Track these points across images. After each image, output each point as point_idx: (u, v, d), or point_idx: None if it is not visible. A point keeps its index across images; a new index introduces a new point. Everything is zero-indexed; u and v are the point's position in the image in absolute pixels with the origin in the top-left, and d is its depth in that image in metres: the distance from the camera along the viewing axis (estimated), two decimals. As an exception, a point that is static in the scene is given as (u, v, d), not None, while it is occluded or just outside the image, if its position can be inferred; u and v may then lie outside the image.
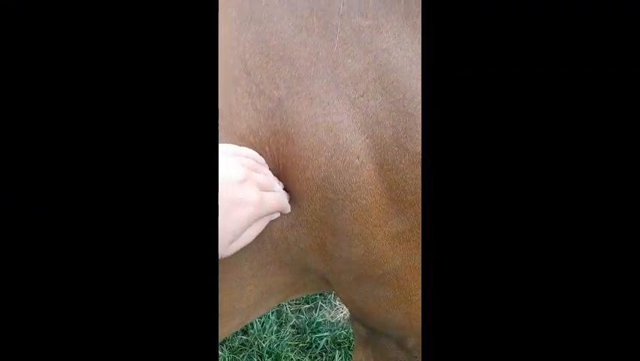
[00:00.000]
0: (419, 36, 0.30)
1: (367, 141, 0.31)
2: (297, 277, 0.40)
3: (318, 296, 1.18)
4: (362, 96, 0.31)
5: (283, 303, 1.18)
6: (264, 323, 1.11)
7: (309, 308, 1.16)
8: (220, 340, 0.45)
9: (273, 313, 1.14)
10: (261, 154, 0.32)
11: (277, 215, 0.32)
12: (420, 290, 0.37)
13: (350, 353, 1.03)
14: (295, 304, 1.18)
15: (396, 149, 0.31)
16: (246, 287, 0.38)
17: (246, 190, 0.26)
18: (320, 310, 1.15)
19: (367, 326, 0.47)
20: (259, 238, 0.36)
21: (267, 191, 0.29)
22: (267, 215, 0.29)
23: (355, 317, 0.47)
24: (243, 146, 0.32)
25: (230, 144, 0.30)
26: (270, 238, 0.36)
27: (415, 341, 0.46)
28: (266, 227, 0.35)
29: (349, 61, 0.30)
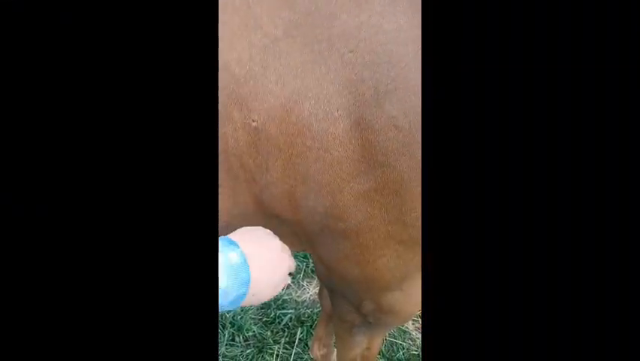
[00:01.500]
0: (412, 7, 0.32)
1: (349, 96, 0.33)
2: (269, 227, 0.42)
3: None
4: (351, 52, 0.32)
5: (252, 277, 1.19)
6: (230, 294, 1.13)
7: (277, 286, 1.18)
8: None
9: (241, 286, 1.16)
10: (244, 87, 0.33)
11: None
12: (377, 251, 0.40)
13: (312, 331, 1.05)
14: (264, 280, 1.20)
15: (375, 109, 0.33)
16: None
17: (283, 255, 0.39)
18: (287, 288, 1.17)
19: (328, 284, 0.49)
20: (234, 173, 0.37)
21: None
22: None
23: (320, 274, 0.49)
24: (226, 78, 0.33)
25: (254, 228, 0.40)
26: (245, 176, 0.37)
27: (369, 306, 0.48)
28: (241, 163, 0.37)
29: (345, 16, 0.32)
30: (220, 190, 0.38)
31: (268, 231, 0.39)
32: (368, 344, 0.59)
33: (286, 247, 0.41)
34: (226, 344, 1.02)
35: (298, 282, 1.19)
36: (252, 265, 0.34)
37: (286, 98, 0.33)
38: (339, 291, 0.48)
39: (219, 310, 0.32)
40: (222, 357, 1.00)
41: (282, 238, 0.46)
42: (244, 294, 0.34)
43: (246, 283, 0.34)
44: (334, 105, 0.33)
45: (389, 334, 1.06)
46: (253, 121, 0.34)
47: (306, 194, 0.37)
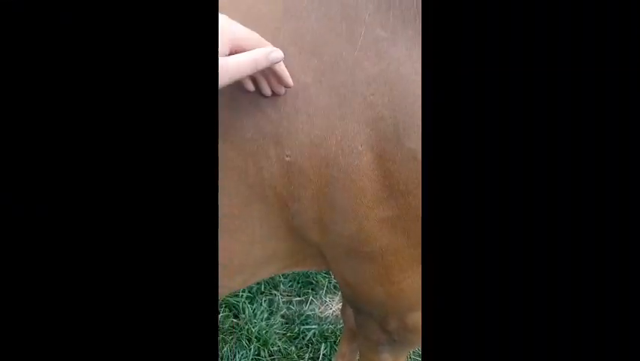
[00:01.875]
0: None
1: (371, 133, 0.37)
2: (298, 248, 0.45)
3: (309, 291, 1.23)
4: (372, 95, 0.36)
5: (275, 293, 1.22)
6: (255, 309, 1.16)
7: (299, 301, 1.20)
8: (227, 293, 0.49)
9: (265, 301, 1.19)
10: (279, 127, 0.38)
11: (267, 58, 0.32)
12: (401, 273, 0.42)
13: (335, 347, 1.07)
14: (287, 295, 1.22)
15: (395, 143, 0.37)
16: (255, 245, 0.43)
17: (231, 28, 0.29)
18: (310, 304, 1.19)
19: (354, 304, 0.52)
20: (269, 202, 0.41)
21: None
22: (234, 41, 0.31)
23: (345, 295, 0.52)
24: (263, 121, 0.37)
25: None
26: (278, 204, 0.41)
27: (395, 324, 0.50)
28: (275, 193, 0.40)
29: (366, 64, 0.36)
30: (253, 217, 0.42)
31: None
32: (392, 361, 0.61)
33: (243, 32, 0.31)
34: (252, 359, 1.05)
35: (321, 298, 1.21)
36: None
37: (315, 135, 0.37)
38: (365, 310, 0.50)
39: None
40: (249, 372, 1.03)
41: (309, 258, 0.49)
42: None
43: None
44: (358, 141, 0.37)
45: (413, 352, 1.06)
46: (287, 156, 0.38)
47: (333, 219, 0.40)
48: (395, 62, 0.36)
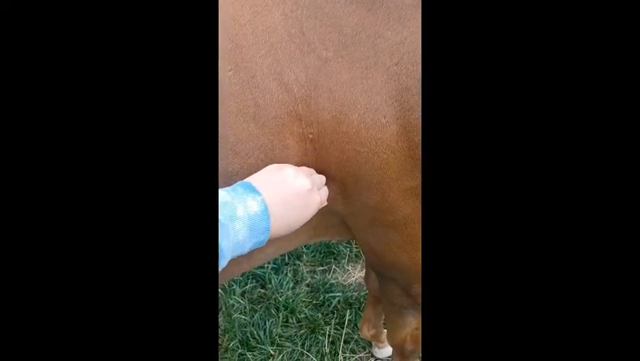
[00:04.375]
0: None
1: (395, 104, 0.37)
2: (321, 219, 0.46)
3: (332, 260, 1.27)
4: (396, 65, 0.36)
5: (299, 263, 1.27)
6: (281, 279, 1.21)
7: (323, 270, 1.25)
8: (256, 265, 0.52)
9: (289, 271, 1.24)
10: (301, 105, 0.38)
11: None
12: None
13: (360, 313, 1.11)
14: (310, 265, 1.27)
15: (419, 113, 0.37)
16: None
17: (312, 196, 0.38)
18: (333, 272, 1.23)
19: (378, 269, 0.54)
20: None
21: (320, 188, 0.40)
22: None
23: (370, 261, 0.54)
24: (287, 98, 0.38)
25: (288, 165, 0.39)
26: None
27: (418, 289, 0.52)
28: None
29: (389, 33, 0.36)
30: None
31: (297, 169, 0.37)
32: (417, 324, 0.64)
33: (317, 178, 0.39)
34: (281, 326, 1.11)
35: (343, 267, 1.25)
36: (274, 213, 0.33)
37: (337, 111, 0.37)
38: (389, 276, 0.52)
39: (237, 255, 0.31)
40: (279, 337, 1.09)
41: (331, 228, 0.51)
42: (262, 242, 0.33)
43: (265, 231, 0.33)
44: (381, 113, 0.37)
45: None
46: (310, 134, 0.39)
47: (357, 191, 0.41)
48: (419, 30, 0.35)
